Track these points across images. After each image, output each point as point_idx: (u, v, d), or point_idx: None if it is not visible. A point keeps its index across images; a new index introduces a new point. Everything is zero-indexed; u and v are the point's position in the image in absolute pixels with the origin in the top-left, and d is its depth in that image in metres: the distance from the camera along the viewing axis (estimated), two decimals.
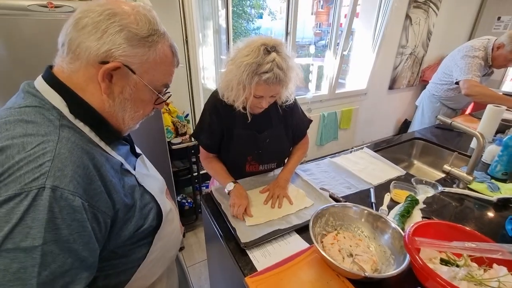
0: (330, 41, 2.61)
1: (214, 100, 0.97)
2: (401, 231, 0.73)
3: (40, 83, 0.47)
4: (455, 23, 3.30)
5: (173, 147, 1.67)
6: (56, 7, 0.96)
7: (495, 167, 1.16)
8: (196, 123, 1.06)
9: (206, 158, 1.08)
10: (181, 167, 1.79)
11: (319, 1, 4.86)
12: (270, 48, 0.79)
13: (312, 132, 2.77)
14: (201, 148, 1.07)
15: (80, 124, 0.46)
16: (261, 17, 4.13)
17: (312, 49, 2.67)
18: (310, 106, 2.65)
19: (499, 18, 3.40)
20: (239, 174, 1.07)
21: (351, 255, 0.71)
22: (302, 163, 1.22)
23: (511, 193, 1.01)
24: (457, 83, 1.79)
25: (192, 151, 1.73)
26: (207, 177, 1.96)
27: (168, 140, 1.71)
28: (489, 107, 1.36)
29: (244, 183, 1.05)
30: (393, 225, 0.76)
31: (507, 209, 0.96)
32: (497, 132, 1.41)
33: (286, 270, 0.70)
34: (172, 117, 1.77)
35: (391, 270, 0.65)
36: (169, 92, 0.57)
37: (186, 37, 1.70)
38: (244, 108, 0.91)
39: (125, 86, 0.48)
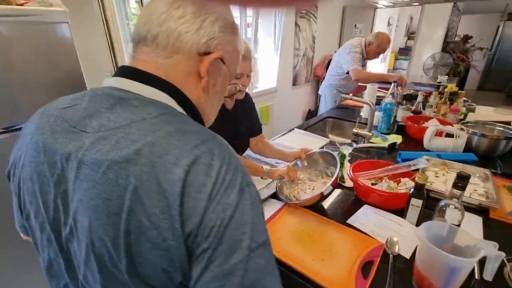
0: None
1: None
2: (331, 152, 1.00)
3: (143, 89, 0.40)
4: (329, 29, 4.18)
5: None
6: None
7: (381, 125, 1.63)
8: None
9: None
10: None
11: None
12: None
13: None
14: None
15: None
16: None
17: None
18: None
19: (355, 26, 4.53)
20: None
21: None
22: None
23: (394, 140, 1.47)
24: (347, 73, 2.34)
25: None
26: None
27: None
28: (368, 86, 1.89)
29: None
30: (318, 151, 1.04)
31: (394, 150, 1.40)
32: (377, 105, 1.97)
33: (276, 222, 0.85)
34: None
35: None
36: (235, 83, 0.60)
37: (112, 43, 1.59)
38: (230, 95, 1.01)
39: (217, 78, 0.46)
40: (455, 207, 0.66)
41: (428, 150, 1.36)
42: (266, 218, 0.87)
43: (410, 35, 6.22)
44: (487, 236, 0.80)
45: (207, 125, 0.52)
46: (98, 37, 1.55)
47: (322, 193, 0.87)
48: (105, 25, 1.55)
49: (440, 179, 1.06)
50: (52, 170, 0.38)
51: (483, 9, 5.94)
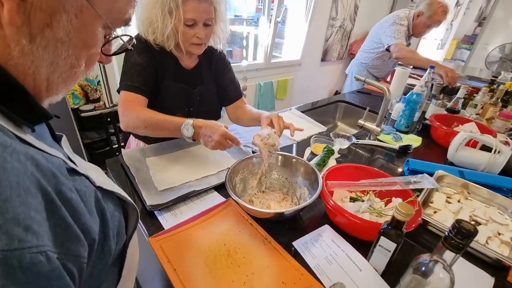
0: (263, 8, 2.53)
1: (143, 40, 0.82)
2: (316, 170, 0.73)
3: None
4: (377, 1, 3.55)
5: (83, 114, 1.43)
6: None
7: (399, 121, 1.29)
8: (108, 86, 0.89)
9: (137, 105, 0.80)
10: (95, 139, 1.56)
11: None
12: None
13: (248, 101, 2.73)
14: (126, 97, 0.81)
15: None
16: None
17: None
18: (246, 75, 2.58)
19: (412, 0, 3.80)
20: None
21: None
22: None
23: (409, 141, 1.14)
24: (388, 49, 1.90)
25: (108, 119, 1.51)
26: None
27: (76, 107, 1.45)
28: (397, 69, 1.50)
29: (161, 146, 0.94)
30: (302, 161, 0.77)
31: (406, 154, 1.08)
32: (404, 95, 1.58)
33: (197, 225, 0.64)
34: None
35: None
36: (128, 35, 0.38)
37: None
38: (178, 47, 0.81)
39: (59, 13, 0.27)
40: (443, 273, 0.40)
41: (452, 164, 1.03)
42: (195, 214, 0.67)
43: (482, 21, 5.15)
44: None
45: (46, 96, 0.32)
46: None
47: (283, 212, 0.64)
48: None
49: (451, 207, 0.76)
50: None
51: None
